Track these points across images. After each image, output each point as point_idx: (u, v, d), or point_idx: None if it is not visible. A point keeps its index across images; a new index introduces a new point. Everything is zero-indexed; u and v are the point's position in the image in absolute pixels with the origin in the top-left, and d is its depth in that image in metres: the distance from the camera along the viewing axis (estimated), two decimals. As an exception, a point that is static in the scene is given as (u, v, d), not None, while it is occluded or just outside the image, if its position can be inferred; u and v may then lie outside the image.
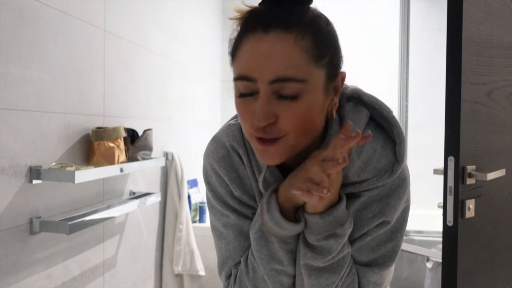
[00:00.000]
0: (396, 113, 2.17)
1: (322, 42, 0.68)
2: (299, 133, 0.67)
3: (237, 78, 0.67)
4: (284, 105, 0.64)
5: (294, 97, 0.64)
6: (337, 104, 0.75)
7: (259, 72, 0.64)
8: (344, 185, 0.73)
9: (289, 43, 0.63)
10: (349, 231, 0.72)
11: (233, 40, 0.69)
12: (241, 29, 0.68)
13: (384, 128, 0.78)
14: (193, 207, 2.53)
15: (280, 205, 0.71)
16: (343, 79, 0.78)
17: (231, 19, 0.69)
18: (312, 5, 0.70)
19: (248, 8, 0.68)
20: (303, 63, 0.64)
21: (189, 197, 2.47)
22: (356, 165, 0.73)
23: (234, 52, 0.68)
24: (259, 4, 0.68)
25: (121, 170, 1.62)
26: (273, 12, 0.65)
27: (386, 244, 0.76)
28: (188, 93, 2.64)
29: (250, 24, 0.66)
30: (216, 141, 0.81)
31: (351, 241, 0.76)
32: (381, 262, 0.76)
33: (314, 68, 0.66)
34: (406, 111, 2.14)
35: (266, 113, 0.64)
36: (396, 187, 0.74)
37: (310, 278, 0.74)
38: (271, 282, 0.76)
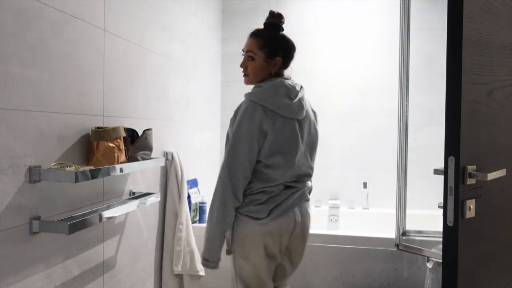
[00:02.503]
0: (396, 113, 2.17)
1: (266, 43, 1.63)
2: (252, 75, 1.65)
3: (242, 50, 1.70)
4: (249, 63, 1.65)
5: (252, 59, 1.64)
6: (274, 71, 1.65)
7: (244, 48, 1.68)
8: None
9: (252, 40, 1.65)
10: None
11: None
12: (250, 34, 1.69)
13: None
14: (193, 207, 2.53)
15: None
16: (278, 60, 1.64)
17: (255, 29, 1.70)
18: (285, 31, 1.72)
19: (258, 27, 1.68)
20: (255, 48, 1.63)
21: (189, 197, 2.47)
22: None
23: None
24: (263, 27, 1.68)
25: (121, 170, 1.62)
26: (256, 30, 1.67)
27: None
28: (188, 93, 2.63)
29: (251, 33, 1.68)
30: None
31: None
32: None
33: (258, 51, 1.63)
34: (406, 111, 2.13)
35: (244, 65, 1.67)
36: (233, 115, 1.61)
37: None
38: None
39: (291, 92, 1.61)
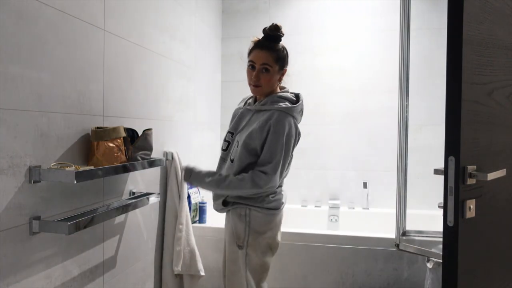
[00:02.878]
0: (396, 113, 2.17)
1: (279, 56, 1.78)
2: (266, 86, 1.79)
3: (249, 62, 1.80)
4: (263, 74, 1.77)
5: (267, 71, 1.77)
6: (280, 81, 1.86)
7: (256, 61, 1.77)
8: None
9: (267, 54, 1.76)
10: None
11: (250, 48, 1.82)
12: (254, 45, 1.81)
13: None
14: (193, 207, 2.53)
15: None
16: (285, 71, 1.85)
17: (252, 41, 1.83)
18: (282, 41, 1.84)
19: (257, 38, 1.81)
20: (271, 61, 1.76)
21: (189, 197, 2.47)
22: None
23: (249, 53, 1.82)
24: (262, 38, 1.81)
25: (121, 170, 1.62)
26: (263, 42, 1.79)
27: None
28: (188, 93, 2.63)
29: (256, 44, 1.80)
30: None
31: None
32: None
33: (274, 64, 1.77)
34: (406, 111, 2.13)
35: (257, 77, 1.77)
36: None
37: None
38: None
39: None
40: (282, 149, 1.71)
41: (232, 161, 1.82)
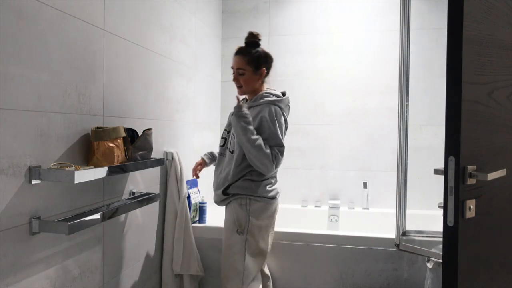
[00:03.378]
0: (396, 113, 2.17)
1: (251, 59, 2.02)
2: (245, 86, 2.05)
3: (232, 67, 2.09)
4: (240, 77, 2.04)
5: (242, 75, 2.03)
6: (260, 80, 2.06)
7: (234, 66, 2.07)
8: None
9: (239, 59, 2.04)
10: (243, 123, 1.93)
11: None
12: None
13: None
14: (193, 207, 2.53)
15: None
16: (262, 70, 2.04)
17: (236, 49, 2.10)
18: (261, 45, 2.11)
19: (240, 46, 2.08)
20: (244, 65, 2.03)
21: (189, 197, 2.47)
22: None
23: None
24: (244, 45, 2.08)
25: (121, 170, 1.62)
26: (239, 49, 2.07)
27: None
28: (188, 93, 2.63)
29: (236, 52, 2.07)
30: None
31: None
32: None
33: (247, 66, 2.02)
34: (406, 111, 2.13)
35: (236, 80, 2.06)
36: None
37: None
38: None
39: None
40: (281, 136, 1.96)
41: (232, 152, 2.02)
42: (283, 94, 2.07)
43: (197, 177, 2.26)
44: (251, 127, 1.92)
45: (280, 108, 2.00)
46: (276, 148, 1.92)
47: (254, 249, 2.00)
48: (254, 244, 1.99)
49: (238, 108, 1.95)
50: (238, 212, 1.98)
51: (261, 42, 2.07)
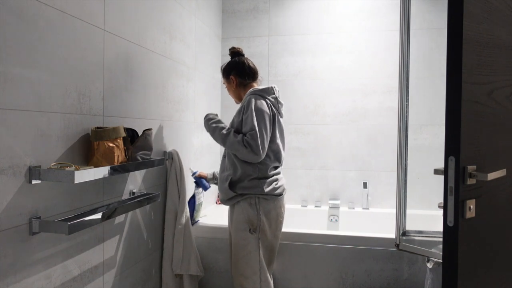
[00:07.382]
0: (396, 113, 2.17)
1: (223, 72, 2.28)
2: (231, 95, 2.30)
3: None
4: (227, 89, 2.30)
5: (226, 86, 2.30)
6: (236, 85, 2.23)
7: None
8: None
9: (222, 76, 2.31)
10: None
11: None
12: None
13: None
14: (196, 208, 2.52)
15: None
16: (232, 78, 2.21)
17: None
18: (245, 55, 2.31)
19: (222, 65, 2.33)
20: (223, 79, 2.29)
21: (193, 197, 2.47)
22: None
23: None
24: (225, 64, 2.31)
25: (121, 170, 1.62)
26: (222, 67, 2.31)
27: None
28: (188, 93, 2.63)
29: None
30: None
31: None
32: None
33: (224, 79, 2.29)
34: (406, 111, 2.13)
35: (228, 91, 2.33)
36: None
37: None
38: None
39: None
40: (258, 121, 2.00)
41: (224, 157, 2.17)
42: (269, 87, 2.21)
43: (192, 172, 2.47)
44: (216, 125, 2.11)
45: (261, 96, 2.09)
46: (248, 134, 1.98)
47: (266, 246, 2.07)
48: (266, 241, 2.06)
49: (205, 116, 2.20)
50: (248, 212, 2.04)
51: (244, 52, 2.30)
